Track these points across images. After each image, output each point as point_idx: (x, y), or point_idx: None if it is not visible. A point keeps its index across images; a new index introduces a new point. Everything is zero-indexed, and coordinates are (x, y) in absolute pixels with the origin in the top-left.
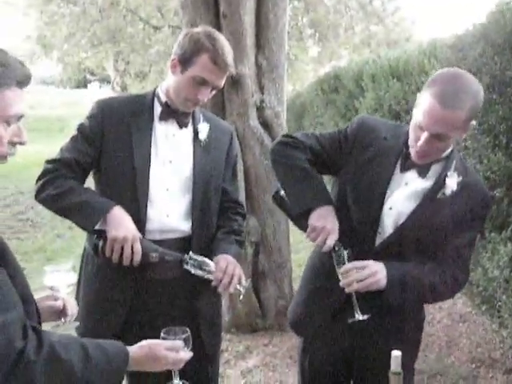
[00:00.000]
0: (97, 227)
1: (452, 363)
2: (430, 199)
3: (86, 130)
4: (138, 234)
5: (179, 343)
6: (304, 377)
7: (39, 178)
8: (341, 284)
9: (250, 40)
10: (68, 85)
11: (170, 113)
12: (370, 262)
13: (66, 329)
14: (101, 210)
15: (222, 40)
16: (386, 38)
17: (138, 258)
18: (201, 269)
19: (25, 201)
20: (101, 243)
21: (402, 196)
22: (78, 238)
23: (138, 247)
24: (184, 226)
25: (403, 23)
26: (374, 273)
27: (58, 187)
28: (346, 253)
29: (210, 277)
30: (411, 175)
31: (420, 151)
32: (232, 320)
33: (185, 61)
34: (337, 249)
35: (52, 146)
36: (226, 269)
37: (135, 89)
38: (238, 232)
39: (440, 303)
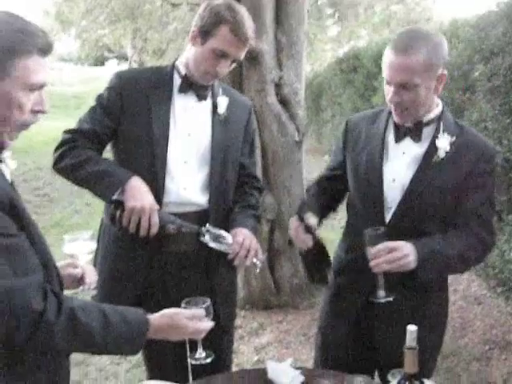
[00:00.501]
0: (115, 197)
1: (466, 344)
2: (426, 164)
3: (104, 101)
4: (156, 206)
5: (201, 312)
6: (321, 354)
7: (57, 148)
8: (371, 264)
9: (269, 15)
10: (86, 62)
11: (189, 85)
12: (401, 243)
13: (85, 296)
14: (119, 180)
15: (243, 12)
16: (406, 17)
17: (154, 229)
18: (217, 241)
19: (43, 176)
20: (118, 213)
21: (402, 165)
22: (95, 214)
23: (155, 218)
24: (201, 200)
25: (424, 3)
26: (405, 255)
27: (76, 157)
28: (377, 233)
29: (227, 249)
30: (406, 143)
31: (394, 107)
32: (246, 297)
33: (205, 33)
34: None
35: (69, 123)
36: (242, 242)
37: None
38: (254, 206)
39: (455, 285)
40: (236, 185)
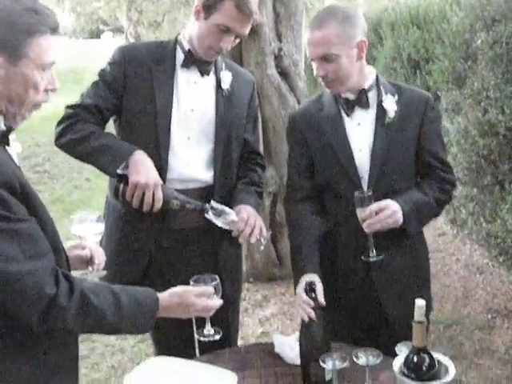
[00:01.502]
0: (119, 171)
1: (468, 314)
2: (381, 126)
3: (107, 76)
4: (160, 181)
5: (210, 290)
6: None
7: (59, 123)
8: (363, 226)
9: None
10: (81, 36)
11: (193, 61)
12: (389, 202)
13: (93, 278)
14: (123, 154)
15: None
16: None
17: (158, 204)
18: (222, 218)
19: (41, 153)
20: (121, 186)
21: (362, 134)
22: (95, 190)
23: (159, 194)
24: (205, 176)
25: None
26: (393, 212)
27: (79, 131)
28: (366, 195)
29: (231, 227)
30: (358, 113)
31: (322, 81)
32: (250, 269)
33: (208, 7)
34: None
35: (67, 98)
36: (247, 219)
37: (149, 38)
38: (257, 183)
39: (457, 255)
40: (239, 161)
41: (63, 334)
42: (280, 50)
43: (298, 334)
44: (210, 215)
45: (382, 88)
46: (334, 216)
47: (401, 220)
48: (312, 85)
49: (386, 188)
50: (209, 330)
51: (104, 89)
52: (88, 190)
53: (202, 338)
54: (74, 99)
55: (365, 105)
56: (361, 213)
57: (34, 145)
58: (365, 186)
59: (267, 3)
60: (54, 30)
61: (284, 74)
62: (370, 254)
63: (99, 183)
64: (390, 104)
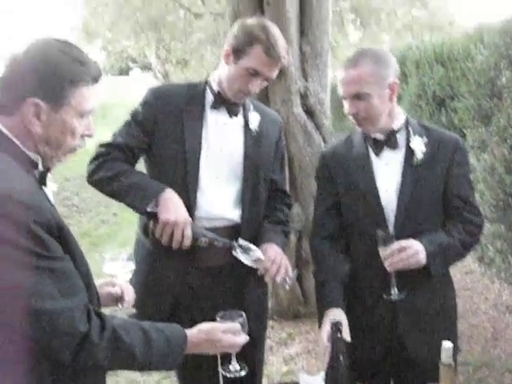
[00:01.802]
0: (148, 209)
1: (498, 355)
2: (408, 167)
3: (139, 116)
4: (189, 219)
5: (237, 325)
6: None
7: (91, 161)
8: (385, 264)
9: (293, 27)
10: (110, 72)
11: (222, 102)
12: (412, 242)
13: (123, 315)
14: (153, 192)
15: (276, 32)
16: (429, 22)
17: (187, 242)
18: (249, 256)
19: (70, 187)
20: (151, 224)
21: (389, 175)
22: (122, 224)
23: (188, 231)
24: (232, 214)
25: (447, 7)
26: (416, 252)
27: (110, 169)
28: (389, 234)
29: (258, 264)
30: (386, 154)
31: (353, 119)
32: (275, 307)
33: (238, 51)
34: (380, 231)
35: (96, 132)
36: (274, 258)
37: (176, 76)
38: (284, 222)
39: (485, 294)
40: (266, 200)
41: (93, 370)
42: (306, 88)
43: (323, 373)
44: (237, 253)
45: (410, 129)
46: (359, 254)
47: (424, 260)
48: (336, 120)
49: (412, 229)
50: (235, 365)
51: (135, 128)
52: (115, 224)
53: (228, 374)
54: (102, 134)
55: (393, 145)
56: (383, 251)
57: (63, 179)
58: (390, 227)
59: (293, 43)
60: (96, 79)
61: (310, 112)
62: (392, 293)
63: (126, 217)
64: (419, 145)
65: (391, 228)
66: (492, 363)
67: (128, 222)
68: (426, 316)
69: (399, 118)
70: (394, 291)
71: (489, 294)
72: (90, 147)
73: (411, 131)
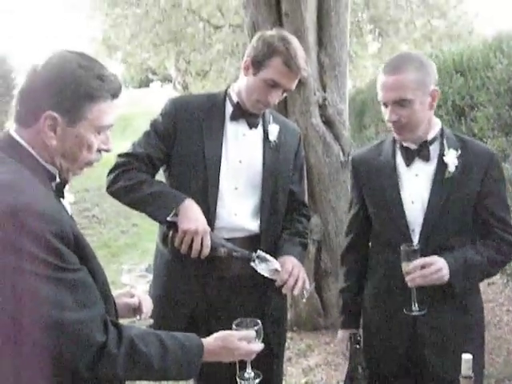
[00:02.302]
0: (169, 218)
1: None
2: (439, 181)
3: (159, 127)
4: (209, 228)
5: (252, 333)
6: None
7: (111, 172)
8: (406, 279)
9: (311, 38)
10: (130, 84)
11: (241, 113)
12: (435, 258)
13: (140, 325)
14: (173, 202)
15: (295, 43)
16: (448, 31)
17: (206, 251)
18: (267, 268)
19: (90, 198)
20: (170, 233)
21: (418, 187)
22: (142, 235)
23: (207, 241)
24: (251, 226)
25: (465, 16)
26: (438, 269)
27: (130, 179)
28: (412, 249)
29: (275, 276)
30: (417, 165)
31: (393, 126)
32: (294, 318)
33: (257, 63)
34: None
35: (116, 144)
36: (291, 271)
37: (196, 87)
38: (302, 234)
39: (508, 305)
40: (285, 211)
41: (110, 381)
42: (324, 99)
43: None
44: (255, 264)
45: (445, 141)
46: (382, 265)
47: (446, 277)
48: (355, 131)
49: (438, 244)
50: (249, 373)
51: (155, 139)
52: (135, 234)
53: (242, 382)
54: (122, 145)
55: (426, 157)
56: (405, 266)
57: (82, 190)
58: (415, 240)
59: (312, 54)
60: (116, 94)
61: (328, 122)
62: (413, 308)
63: (146, 228)
64: (452, 158)
65: (416, 241)
66: None
67: (148, 232)
68: (449, 332)
69: (435, 128)
70: (415, 307)
71: (511, 306)
72: (110, 158)
73: (445, 143)
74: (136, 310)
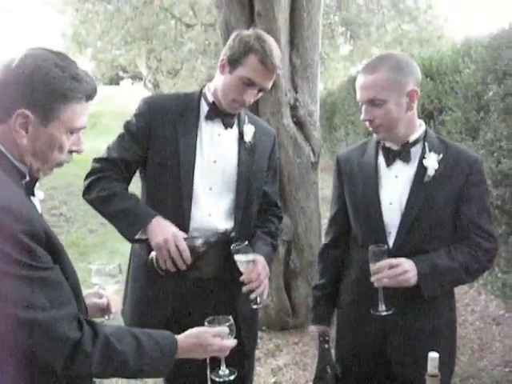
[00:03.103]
0: (137, 237)
1: (485, 366)
2: (418, 184)
3: (133, 128)
4: (180, 233)
5: (225, 329)
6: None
7: (87, 177)
8: (372, 279)
9: (284, 38)
10: (101, 81)
11: (217, 113)
12: (402, 260)
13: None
14: (142, 222)
15: (271, 42)
16: (418, 36)
17: (186, 254)
18: (246, 257)
19: (58, 196)
20: (154, 255)
21: (397, 188)
22: (110, 234)
23: (181, 244)
24: (225, 226)
25: (435, 21)
26: (404, 271)
27: (104, 190)
28: (380, 250)
29: (247, 270)
30: (397, 166)
31: (369, 125)
32: (263, 318)
33: (234, 61)
34: (372, 247)
35: (85, 142)
36: (259, 275)
37: (167, 86)
38: (274, 234)
39: (472, 306)
40: (258, 212)
41: (85, 378)
42: (296, 100)
43: None
44: (234, 246)
45: (427, 144)
46: (355, 266)
47: (413, 280)
48: (326, 132)
49: (413, 248)
50: (224, 370)
51: (130, 142)
52: (103, 234)
53: (216, 379)
54: (91, 144)
55: (406, 158)
56: (372, 266)
57: (50, 188)
58: (391, 242)
59: (284, 55)
60: (90, 96)
61: (299, 123)
62: (379, 308)
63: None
64: (432, 162)
65: (391, 243)
66: (479, 374)
67: (116, 231)
68: (416, 333)
69: (418, 130)
70: (381, 307)
71: (475, 306)
72: (80, 156)
73: (427, 146)
74: (105, 311)
